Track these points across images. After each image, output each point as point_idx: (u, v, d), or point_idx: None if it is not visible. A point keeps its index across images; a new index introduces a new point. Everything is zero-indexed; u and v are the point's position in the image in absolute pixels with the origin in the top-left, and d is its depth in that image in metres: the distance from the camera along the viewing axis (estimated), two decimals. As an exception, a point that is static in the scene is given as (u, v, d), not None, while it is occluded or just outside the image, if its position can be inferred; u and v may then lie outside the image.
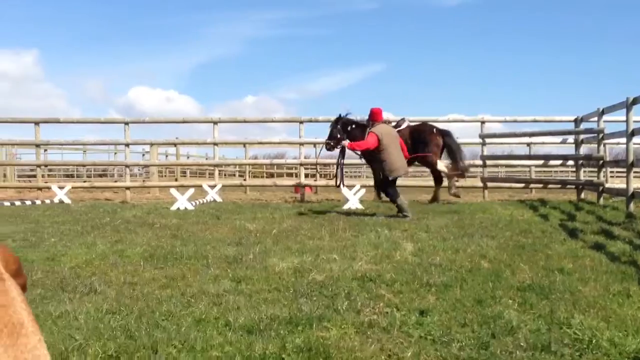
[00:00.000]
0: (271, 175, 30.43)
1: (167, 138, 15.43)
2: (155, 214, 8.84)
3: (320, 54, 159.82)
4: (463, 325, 2.87)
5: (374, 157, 8.77)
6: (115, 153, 24.14)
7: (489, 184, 12.40)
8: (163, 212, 9.28)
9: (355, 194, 10.26)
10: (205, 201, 11.37)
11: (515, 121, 12.97)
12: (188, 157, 24.35)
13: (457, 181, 10.91)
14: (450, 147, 10.55)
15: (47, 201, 11.68)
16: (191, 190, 10.45)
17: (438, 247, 5.24)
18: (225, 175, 28.02)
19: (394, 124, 10.37)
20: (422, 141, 10.38)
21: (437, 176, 10.87)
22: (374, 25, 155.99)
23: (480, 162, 12.41)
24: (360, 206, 9.84)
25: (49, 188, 12.91)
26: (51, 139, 13.94)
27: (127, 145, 13.02)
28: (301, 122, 12.62)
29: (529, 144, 13.68)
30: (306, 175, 16.94)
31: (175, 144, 16.57)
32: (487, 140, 12.18)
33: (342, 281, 3.87)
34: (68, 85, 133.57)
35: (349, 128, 10.79)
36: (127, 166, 13.48)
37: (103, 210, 9.36)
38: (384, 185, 8.74)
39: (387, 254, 4.92)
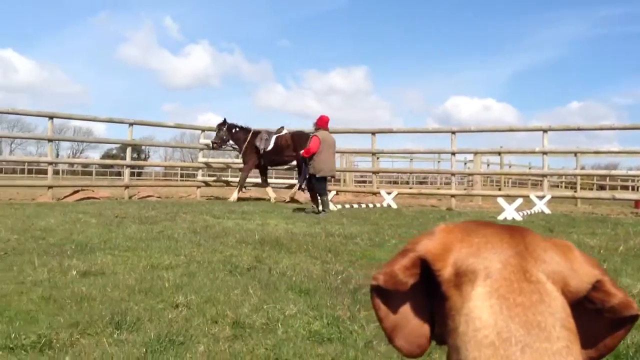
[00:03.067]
0: (601, 187, 27.75)
1: (491, 147, 15.35)
2: (483, 223, 8.82)
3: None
4: None
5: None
6: (439, 162, 25.00)
7: None
8: (490, 221, 9.21)
9: None
10: (532, 212, 10.93)
11: None
12: (510, 167, 23.80)
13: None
14: None
15: (378, 205, 12.68)
16: (519, 200, 10.16)
17: None
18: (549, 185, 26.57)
19: (274, 130, 13.31)
20: (300, 145, 12.09)
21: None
22: None
23: None
24: None
25: (378, 193, 14.01)
26: (384, 148, 15.12)
27: (453, 154, 13.36)
28: (648, 129, 11.19)
29: None
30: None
31: (499, 153, 16.36)
32: None
33: None
34: (392, 97, 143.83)
35: (233, 131, 13.41)
36: (453, 174, 13.82)
37: (432, 217, 9.75)
38: (312, 181, 10.23)
39: None
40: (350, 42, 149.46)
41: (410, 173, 27.28)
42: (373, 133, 14.15)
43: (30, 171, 44.19)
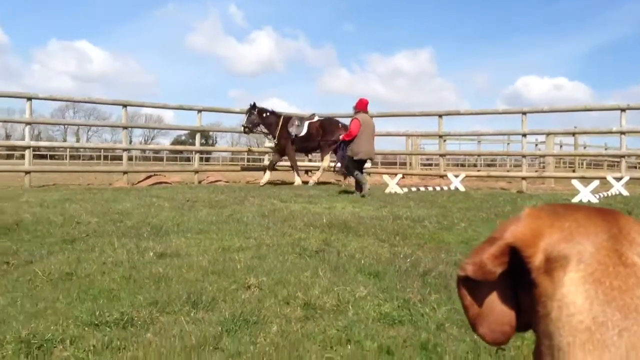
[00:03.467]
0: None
1: (564, 127, 14.79)
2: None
3: None
4: None
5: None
6: (508, 143, 24.30)
7: None
8: (577, 204, 8.90)
9: None
10: (609, 194, 10.47)
11: None
12: (585, 147, 22.84)
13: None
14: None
15: (445, 188, 12.47)
16: (595, 182, 9.76)
17: None
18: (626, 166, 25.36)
19: (307, 117, 13.53)
20: (329, 131, 12.82)
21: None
22: None
23: None
24: None
25: (445, 176, 13.77)
26: (450, 130, 14.84)
27: (524, 135, 12.95)
28: None
29: None
30: None
31: (573, 134, 15.74)
32: None
33: None
34: (457, 78, 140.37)
35: (264, 115, 13.31)
36: (524, 156, 13.41)
37: (503, 200, 9.50)
38: (348, 162, 10.16)
39: None
40: (414, 24, 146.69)
41: (478, 155, 26.65)
42: (440, 115, 13.91)
43: (105, 157, 46.13)
